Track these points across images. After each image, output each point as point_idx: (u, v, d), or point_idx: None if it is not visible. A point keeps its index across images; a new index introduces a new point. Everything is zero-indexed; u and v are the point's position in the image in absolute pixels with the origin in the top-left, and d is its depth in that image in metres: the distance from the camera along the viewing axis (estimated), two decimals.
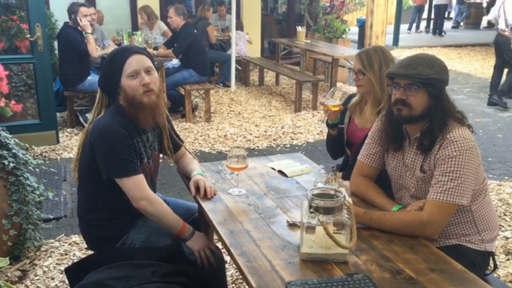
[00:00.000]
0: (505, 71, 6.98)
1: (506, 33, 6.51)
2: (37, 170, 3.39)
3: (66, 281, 2.21)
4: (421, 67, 1.88)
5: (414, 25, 15.93)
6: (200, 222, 2.29)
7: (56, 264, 2.97)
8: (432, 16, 16.00)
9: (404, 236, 1.79)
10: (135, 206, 2.02)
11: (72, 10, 5.51)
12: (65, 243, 3.22)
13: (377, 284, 1.49)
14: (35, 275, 2.85)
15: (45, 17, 4.97)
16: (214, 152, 5.03)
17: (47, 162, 4.60)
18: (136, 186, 2.03)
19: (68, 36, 5.46)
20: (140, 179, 2.05)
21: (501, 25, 6.60)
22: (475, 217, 1.96)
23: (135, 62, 2.06)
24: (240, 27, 8.27)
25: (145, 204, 2.03)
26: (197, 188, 2.16)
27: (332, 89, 2.62)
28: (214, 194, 2.15)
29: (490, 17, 6.94)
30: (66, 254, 3.08)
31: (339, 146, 2.75)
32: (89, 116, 5.70)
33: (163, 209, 2.08)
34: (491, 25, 17.38)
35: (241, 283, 2.77)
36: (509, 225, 3.47)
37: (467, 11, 17.50)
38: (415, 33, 15.48)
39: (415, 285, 1.50)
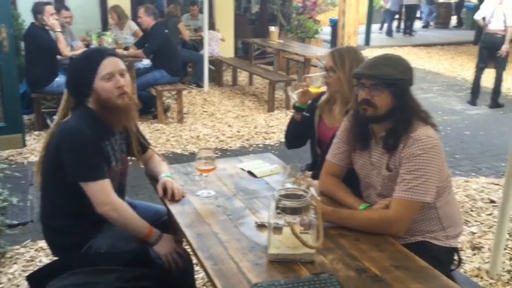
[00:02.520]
0: (488, 71, 7.03)
1: (504, 32, 6.51)
2: (1, 174, 3.30)
3: None
4: (385, 68, 1.90)
5: (385, 25, 16.13)
6: (169, 225, 2.27)
7: (22, 271, 2.89)
8: (403, 16, 16.27)
9: (371, 234, 1.81)
10: (98, 211, 1.98)
11: (38, 10, 5.39)
12: (31, 249, 3.14)
13: (342, 283, 1.50)
14: (0, 283, 2.77)
15: (11, 17, 4.86)
16: (186, 153, 5.00)
17: (13, 166, 4.49)
18: (100, 190, 1.99)
19: (36, 36, 5.34)
20: (105, 183, 2.01)
21: (497, 25, 6.59)
22: (440, 214, 2.00)
23: (110, 65, 2.04)
24: (212, 26, 8.23)
25: (108, 209, 1.99)
26: (165, 190, 2.14)
27: (318, 74, 2.62)
28: (183, 196, 2.13)
29: (479, 17, 6.92)
30: (33, 261, 3.01)
31: (299, 134, 2.75)
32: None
33: (128, 214, 2.04)
34: (460, 24, 17.85)
35: (211, 286, 2.75)
36: (476, 221, 3.55)
37: (436, 11, 17.84)
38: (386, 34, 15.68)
39: (380, 283, 1.52)
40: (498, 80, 6.87)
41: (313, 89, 2.59)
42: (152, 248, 2.03)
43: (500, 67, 6.81)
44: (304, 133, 2.74)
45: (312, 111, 2.69)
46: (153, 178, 2.36)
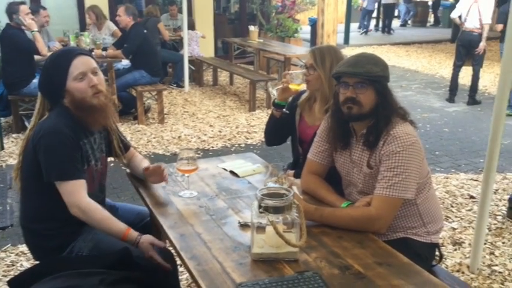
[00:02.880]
0: (465, 68, 7.13)
1: (480, 30, 6.62)
2: None
3: None
4: (368, 65, 1.92)
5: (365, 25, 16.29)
6: (152, 226, 2.25)
7: (2, 276, 2.85)
8: (381, 15, 16.45)
9: (353, 232, 1.83)
10: (70, 212, 1.96)
11: (13, 10, 5.29)
12: (12, 253, 3.09)
13: (326, 281, 1.51)
14: None
15: None
16: (168, 154, 4.97)
17: None
18: (70, 191, 1.96)
19: (12, 37, 5.24)
20: (76, 184, 1.97)
21: (473, 23, 6.68)
22: (420, 210, 2.03)
23: (81, 64, 2.00)
24: (191, 26, 8.19)
25: (76, 212, 1.96)
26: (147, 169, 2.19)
27: (299, 71, 2.62)
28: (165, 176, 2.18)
29: (455, 15, 7.00)
30: (13, 265, 2.96)
31: (277, 131, 2.76)
32: None
33: (98, 217, 1.99)
34: (437, 23, 18.11)
35: (196, 287, 2.74)
36: (456, 216, 3.61)
37: (414, 10, 18.08)
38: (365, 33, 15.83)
39: (363, 280, 1.53)
40: (475, 78, 6.99)
41: (293, 86, 2.58)
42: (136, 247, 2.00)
43: (477, 65, 6.93)
44: (283, 130, 2.75)
45: (292, 110, 2.69)
46: (136, 178, 2.35)
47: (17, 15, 5.24)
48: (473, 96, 7.08)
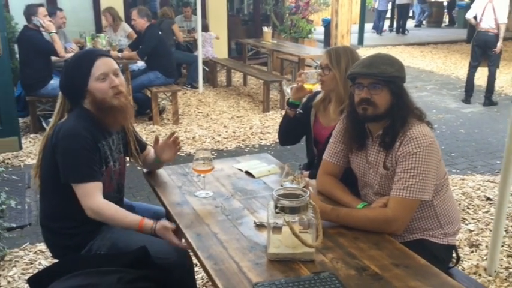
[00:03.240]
0: (480, 69, 7.05)
1: (496, 30, 6.55)
2: None
3: None
4: (383, 66, 1.91)
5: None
6: None
7: (21, 274, 2.89)
8: (395, 16, 16.35)
9: (369, 233, 1.82)
10: (86, 214, 1.99)
11: (31, 12, 5.38)
12: (30, 252, 3.14)
13: (343, 281, 1.51)
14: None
15: (4, 20, 4.84)
16: (183, 154, 5.00)
17: (10, 169, 4.48)
18: (85, 194, 1.98)
19: (31, 39, 5.33)
20: (92, 187, 1.99)
21: (488, 23, 6.60)
22: (437, 211, 2.01)
23: (103, 65, 2.04)
24: (205, 28, 8.24)
25: (90, 214, 1.99)
26: (157, 141, 2.25)
27: (314, 71, 2.62)
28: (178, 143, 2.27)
29: (470, 15, 6.88)
30: (32, 263, 3.00)
31: (291, 130, 2.75)
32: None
33: (110, 213, 2.01)
34: (452, 23, 17.94)
35: (212, 286, 2.75)
36: (473, 218, 3.57)
37: (429, 10, 17.93)
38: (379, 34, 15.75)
39: (380, 281, 1.53)
40: (491, 79, 6.91)
41: (307, 86, 2.57)
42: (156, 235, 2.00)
43: (493, 65, 6.85)
44: (296, 130, 2.74)
45: (307, 111, 2.70)
46: (152, 177, 2.38)
47: (36, 17, 5.33)
48: (489, 97, 7.00)
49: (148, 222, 1.99)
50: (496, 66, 6.89)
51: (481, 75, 7.44)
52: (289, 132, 2.78)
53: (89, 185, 1.99)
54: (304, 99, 2.69)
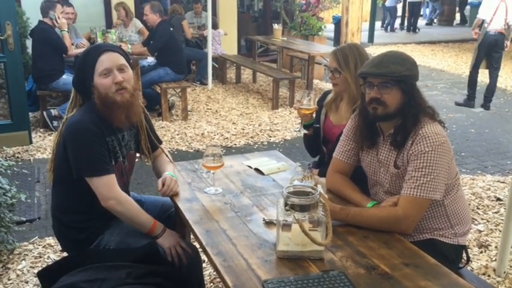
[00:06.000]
0: (482, 72, 6.95)
1: (503, 31, 6.44)
2: (8, 171, 3.31)
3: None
4: (392, 65, 1.90)
5: (386, 22, 16.12)
6: (176, 221, 2.27)
7: (30, 267, 2.91)
8: (406, 14, 16.24)
9: (379, 232, 1.81)
10: (103, 205, 1.99)
11: (50, 6, 5.47)
12: (39, 245, 3.16)
13: (352, 280, 1.50)
14: (8, 279, 2.79)
15: (15, 15, 4.86)
16: (191, 151, 5.00)
17: (20, 163, 4.51)
18: (105, 185, 1.99)
19: (45, 33, 5.41)
20: (110, 178, 2.01)
21: (498, 24, 6.48)
22: (448, 211, 2.00)
23: (106, 60, 2.03)
24: (214, 25, 8.23)
25: (113, 203, 2.00)
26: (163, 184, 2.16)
27: (305, 92, 2.63)
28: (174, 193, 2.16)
29: (483, 16, 6.69)
30: (41, 257, 3.02)
31: (316, 145, 2.76)
32: (54, 112, 5.61)
33: (133, 209, 2.05)
34: (463, 22, 17.77)
35: (220, 282, 2.76)
36: (482, 219, 3.54)
37: (440, 8, 17.79)
38: (390, 32, 15.66)
39: (390, 281, 1.52)
40: (494, 80, 6.78)
41: (308, 111, 2.61)
42: (156, 240, 2.04)
43: (497, 68, 6.68)
44: (320, 141, 2.75)
45: (317, 111, 2.69)
46: (159, 176, 2.37)
47: (53, 12, 5.42)
48: (490, 99, 6.87)
49: (159, 227, 2.06)
50: (499, 69, 6.78)
51: (482, 77, 7.32)
52: (314, 147, 2.80)
53: (107, 177, 2.00)
54: (314, 114, 2.69)
